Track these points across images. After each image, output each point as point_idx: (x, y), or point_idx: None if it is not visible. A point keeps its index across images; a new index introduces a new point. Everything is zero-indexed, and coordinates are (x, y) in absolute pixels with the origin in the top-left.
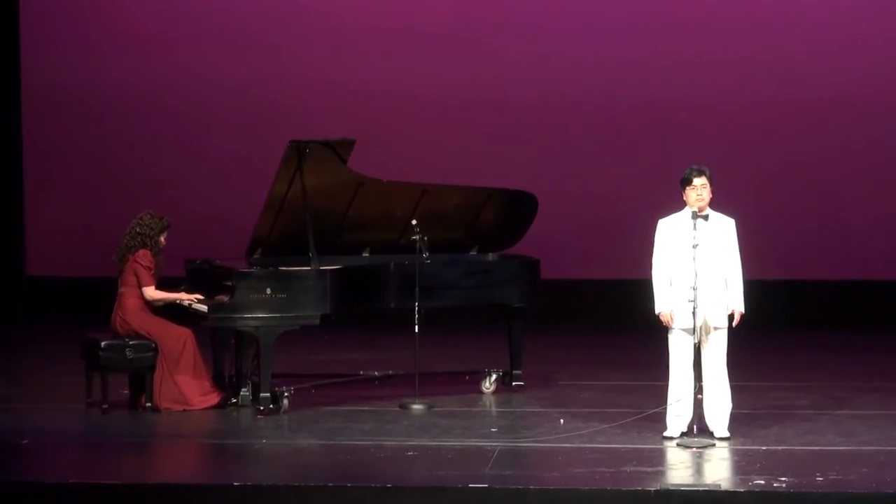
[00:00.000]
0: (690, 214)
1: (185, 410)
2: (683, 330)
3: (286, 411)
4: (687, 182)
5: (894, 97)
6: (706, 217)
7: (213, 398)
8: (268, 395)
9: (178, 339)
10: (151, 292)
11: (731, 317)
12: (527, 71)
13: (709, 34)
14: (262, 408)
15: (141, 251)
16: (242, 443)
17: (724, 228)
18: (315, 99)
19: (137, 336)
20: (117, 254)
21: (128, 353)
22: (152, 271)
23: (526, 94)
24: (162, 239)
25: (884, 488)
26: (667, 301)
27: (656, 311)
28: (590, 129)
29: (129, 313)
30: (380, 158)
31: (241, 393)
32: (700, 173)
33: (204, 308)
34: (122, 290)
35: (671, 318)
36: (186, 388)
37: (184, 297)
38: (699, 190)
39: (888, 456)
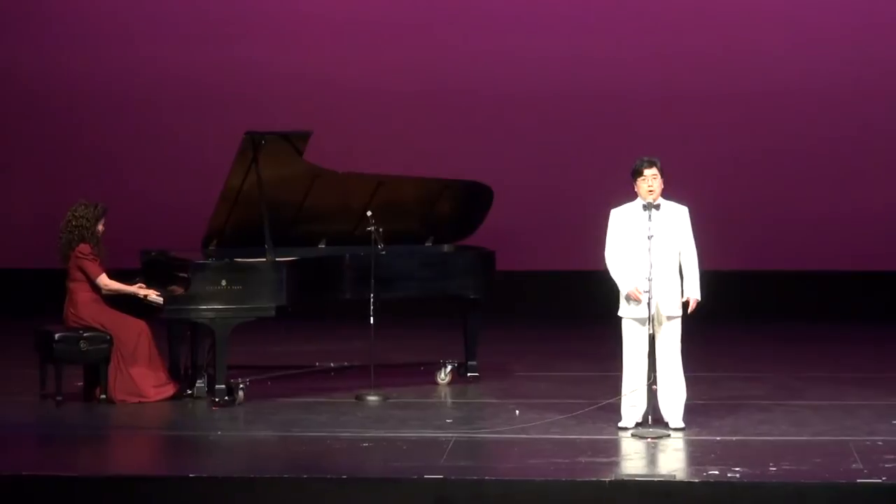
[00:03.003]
0: (642, 206)
1: (140, 402)
2: (637, 320)
3: (241, 403)
4: (637, 173)
5: (848, 90)
6: (658, 207)
7: (169, 390)
8: (223, 386)
9: (132, 331)
10: (105, 281)
11: (685, 304)
12: (482, 63)
13: (663, 26)
14: (217, 399)
15: (81, 245)
16: (198, 435)
17: (677, 216)
18: (272, 90)
19: (91, 328)
20: (59, 251)
21: (82, 345)
22: (97, 259)
23: (481, 87)
24: (100, 227)
25: (837, 479)
26: (630, 279)
27: (624, 293)
28: (545, 122)
29: (81, 308)
30: (336, 150)
31: (197, 385)
32: (650, 164)
33: (159, 299)
34: (71, 285)
35: (639, 292)
36: (141, 380)
37: (139, 293)
38: (650, 181)
39: (841, 446)
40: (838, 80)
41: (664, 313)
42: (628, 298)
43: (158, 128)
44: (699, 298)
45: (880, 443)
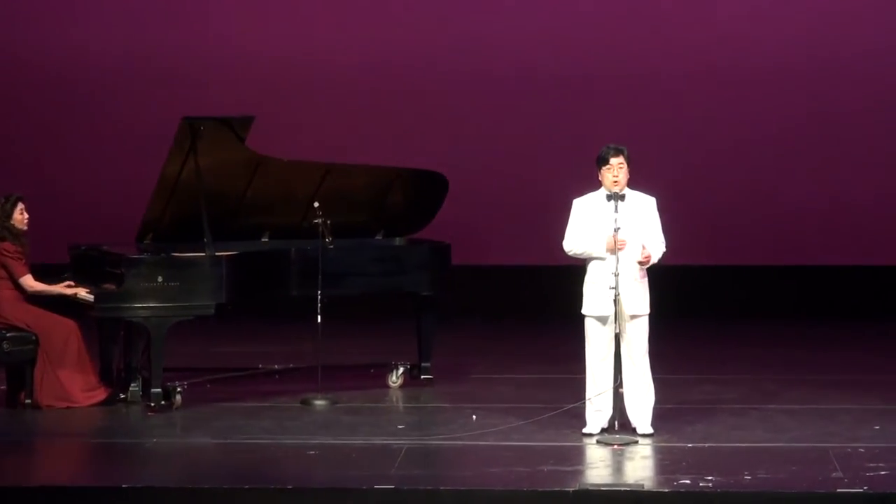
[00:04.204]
0: (606, 196)
1: (68, 407)
2: (601, 318)
3: (179, 408)
4: (603, 161)
5: (824, 77)
6: (623, 197)
7: (100, 394)
8: (159, 390)
9: (60, 331)
10: (30, 282)
11: (641, 263)
12: (436, 46)
13: (630, 6)
14: (152, 404)
15: (3, 243)
16: (132, 442)
17: (644, 207)
18: (212, 74)
19: (15, 328)
20: None
21: (5, 345)
22: (22, 259)
23: (436, 70)
24: (16, 217)
25: (815, 487)
26: (600, 238)
27: (605, 250)
28: (503, 107)
29: (4, 306)
30: (281, 137)
31: (131, 388)
32: (617, 152)
33: (89, 297)
34: None
35: (615, 240)
36: (70, 383)
37: (67, 293)
38: (615, 170)
39: (820, 453)
40: (811, 64)
41: (628, 312)
42: (611, 250)
43: (90, 114)
44: (654, 260)
45: (861, 450)
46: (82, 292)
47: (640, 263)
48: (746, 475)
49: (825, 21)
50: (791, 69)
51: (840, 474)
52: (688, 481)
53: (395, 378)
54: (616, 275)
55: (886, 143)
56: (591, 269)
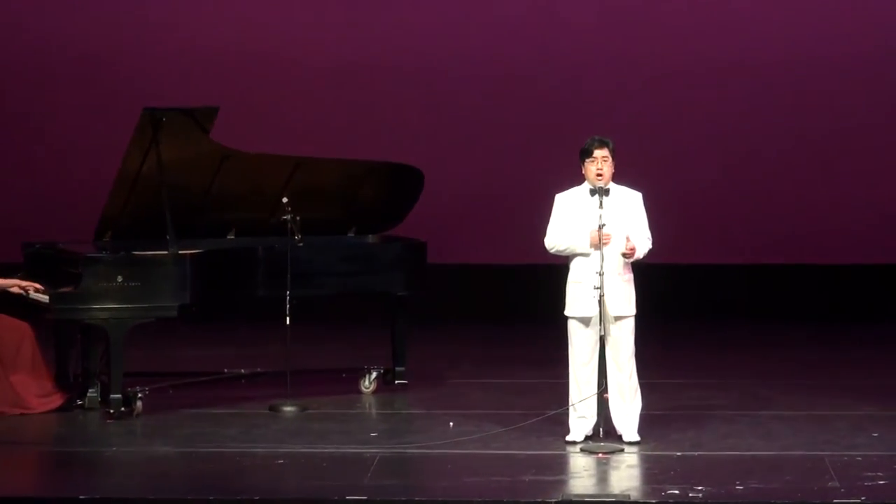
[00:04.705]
0: (588, 191)
1: (22, 414)
2: (585, 319)
3: (140, 415)
4: (586, 154)
5: (800, 80)
6: (607, 192)
7: (56, 400)
8: (119, 396)
9: (13, 334)
10: None
11: (626, 255)
12: (411, 36)
13: None
14: (112, 411)
15: None
16: (90, 451)
17: (630, 203)
18: (175, 63)
19: None
20: None
21: None
22: None
23: (411, 61)
24: None
25: (810, 498)
26: (583, 232)
27: (589, 245)
28: (483, 98)
29: None
30: (247, 129)
31: (89, 394)
32: (602, 144)
33: (45, 298)
34: None
35: (600, 235)
36: (24, 389)
37: (20, 284)
38: (599, 163)
39: (815, 462)
40: (809, 58)
41: (613, 313)
42: (596, 246)
43: (46, 105)
44: (638, 255)
45: (859, 458)
46: (32, 290)
47: (625, 256)
48: (738, 485)
49: (824, 13)
50: (789, 63)
51: (836, 484)
52: (676, 492)
53: (368, 383)
54: (601, 274)
55: (886, 141)
56: (575, 267)
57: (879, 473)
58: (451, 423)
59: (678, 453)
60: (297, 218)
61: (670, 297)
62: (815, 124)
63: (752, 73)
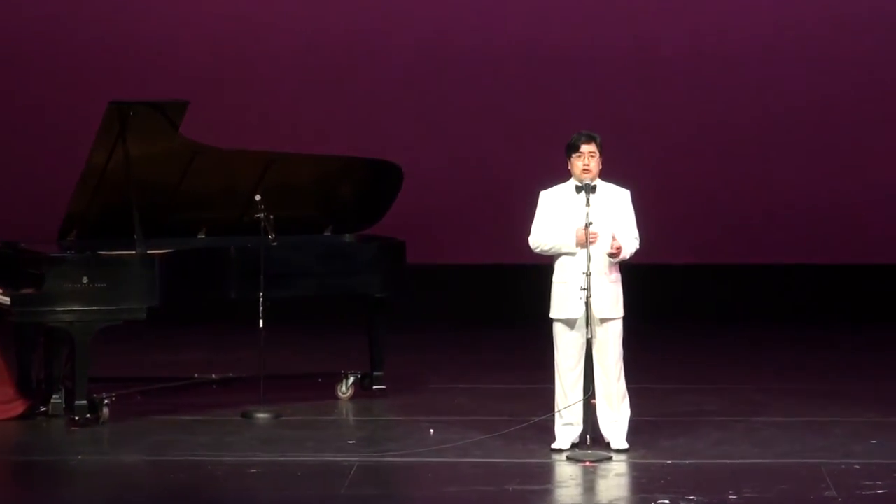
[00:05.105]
0: (574, 187)
1: None
2: (570, 322)
3: (106, 422)
4: (573, 149)
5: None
6: (594, 189)
7: (18, 407)
8: (84, 402)
9: None
10: None
11: (612, 254)
12: (393, 30)
13: None
14: (77, 418)
15: None
16: (53, 459)
17: (617, 201)
18: (145, 56)
19: None
20: None
21: None
22: None
23: (388, 50)
24: None
25: None
26: (569, 231)
27: (575, 245)
28: (467, 90)
29: None
30: (219, 124)
31: (52, 400)
32: (589, 139)
33: (6, 300)
34: None
35: (587, 233)
36: None
37: None
38: (586, 158)
39: (811, 470)
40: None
41: (599, 315)
42: (582, 244)
43: (3, 95)
44: (624, 255)
45: (857, 466)
46: None
47: (611, 256)
48: (731, 494)
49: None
50: (785, 57)
51: (833, 493)
52: (667, 501)
53: (345, 389)
54: (587, 274)
55: (881, 137)
56: (560, 267)
57: (878, 483)
58: (432, 431)
59: (668, 461)
60: (271, 216)
61: (660, 299)
62: (806, 119)
63: (749, 69)
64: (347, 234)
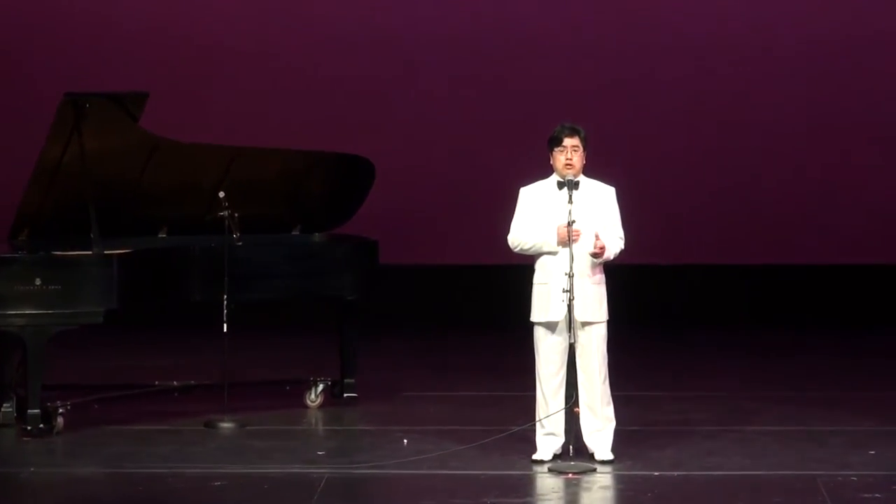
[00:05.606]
0: (556, 183)
1: None
2: (551, 325)
3: (60, 432)
4: (556, 142)
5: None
6: (577, 185)
7: None
8: (37, 411)
9: None
10: None
11: (595, 254)
12: (363, 21)
13: None
14: (29, 428)
15: None
16: (4, 472)
17: (602, 198)
18: (103, 45)
19: None
20: None
21: None
22: None
23: (359, 39)
24: None
25: None
26: (549, 229)
27: (557, 244)
28: (444, 80)
29: None
30: (181, 116)
31: (3, 409)
32: (573, 132)
33: None
34: None
35: (569, 230)
36: None
37: None
38: (569, 152)
39: (806, 482)
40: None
41: (581, 318)
42: (564, 243)
43: None
44: (607, 256)
45: (854, 478)
46: None
47: (594, 255)
48: None
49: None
50: (783, 54)
51: None
52: None
53: (314, 396)
54: (570, 275)
55: (876, 137)
56: (540, 267)
57: (877, 495)
58: (406, 441)
59: (656, 473)
60: (235, 214)
61: (646, 302)
62: (796, 119)
63: (745, 62)
64: (317, 233)
